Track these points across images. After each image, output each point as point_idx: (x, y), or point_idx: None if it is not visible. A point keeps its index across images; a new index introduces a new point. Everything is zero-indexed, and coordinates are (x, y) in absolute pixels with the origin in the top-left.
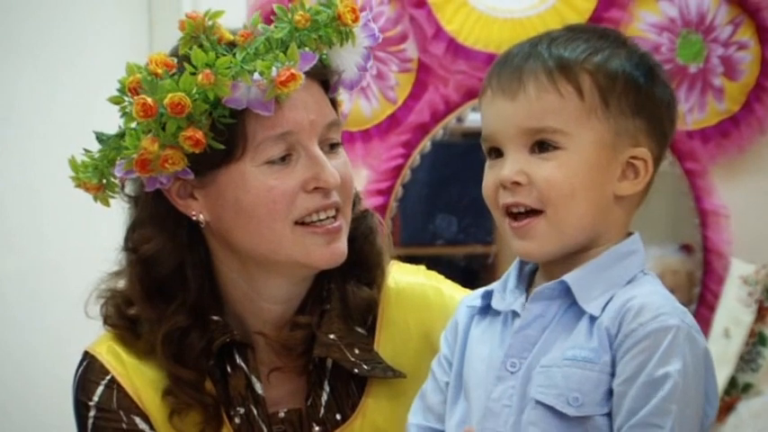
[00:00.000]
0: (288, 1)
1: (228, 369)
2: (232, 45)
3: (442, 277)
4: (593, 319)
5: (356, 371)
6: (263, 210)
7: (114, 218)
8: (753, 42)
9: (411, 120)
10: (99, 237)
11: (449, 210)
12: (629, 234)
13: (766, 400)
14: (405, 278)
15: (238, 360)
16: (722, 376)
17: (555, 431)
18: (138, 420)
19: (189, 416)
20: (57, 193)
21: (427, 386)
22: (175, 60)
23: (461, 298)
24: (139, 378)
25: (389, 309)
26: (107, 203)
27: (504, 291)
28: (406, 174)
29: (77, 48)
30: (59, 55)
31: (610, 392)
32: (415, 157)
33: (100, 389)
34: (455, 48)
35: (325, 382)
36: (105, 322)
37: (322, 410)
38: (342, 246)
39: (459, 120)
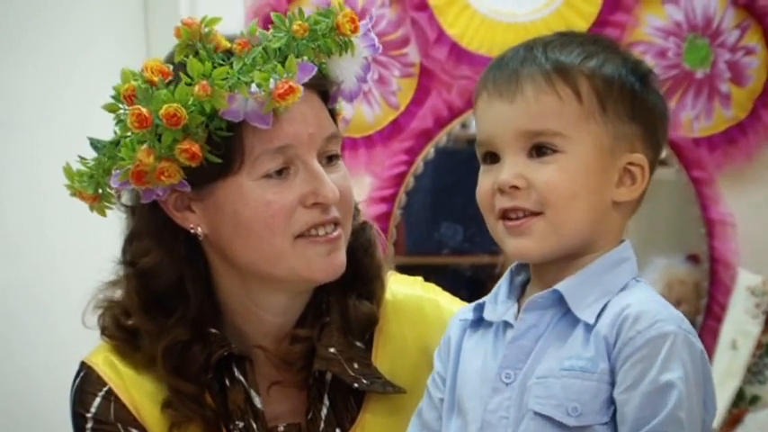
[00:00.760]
0: (287, 4)
1: (227, 383)
2: (229, 53)
3: (439, 289)
4: (588, 327)
5: (356, 385)
6: (262, 224)
7: (117, 222)
8: (760, 47)
9: (414, 126)
10: (101, 240)
11: (454, 218)
12: (621, 241)
13: None
14: (402, 290)
15: (237, 374)
16: (729, 388)
17: None
18: (133, 431)
19: (189, 429)
20: (57, 197)
21: (423, 404)
22: (171, 67)
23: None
24: (137, 390)
25: (387, 322)
26: (103, 213)
27: (496, 302)
28: (409, 181)
29: (74, 51)
30: (55, 59)
31: (609, 401)
32: (419, 164)
33: (97, 400)
34: (458, 52)
35: (325, 396)
36: (103, 333)
37: (322, 425)
38: (341, 257)
39: (464, 126)
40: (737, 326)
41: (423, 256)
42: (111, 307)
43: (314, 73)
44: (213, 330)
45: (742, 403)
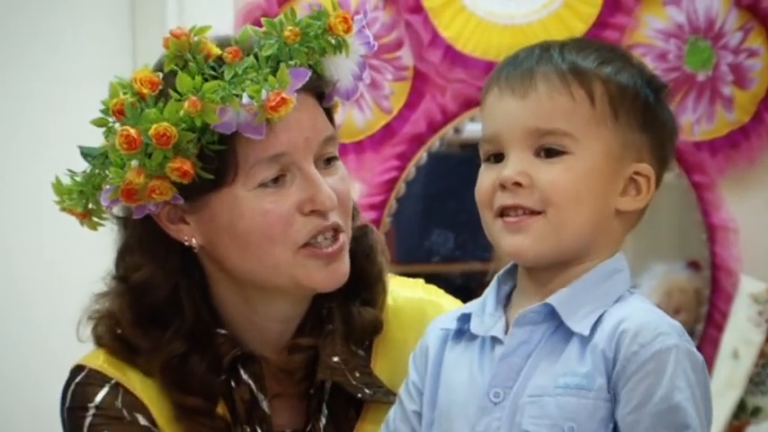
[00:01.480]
0: (277, 8)
1: (233, 384)
2: (219, 61)
3: (441, 291)
4: (583, 340)
5: (359, 395)
6: (260, 235)
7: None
8: (763, 49)
9: (406, 130)
10: (103, 239)
11: (445, 225)
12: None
13: None
14: (403, 294)
15: (244, 376)
16: (730, 399)
17: None
18: (140, 417)
19: None
20: (50, 199)
21: (393, 414)
22: (161, 76)
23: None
24: (144, 391)
25: (388, 327)
26: (95, 228)
27: (483, 313)
28: (400, 187)
29: (59, 52)
30: (40, 61)
31: (607, 419)
32: (410, 170)
33: (103, 391)
34: (453, 55)
35: (324, 406)
36: (98, 342)
37: None
38: (343, 266)
39: (457, 130)
40: (739, 334)
41: (413, 265)
42: (104, 317)
43: (307, 78)
44: (222, 331)
45: (743, 415)
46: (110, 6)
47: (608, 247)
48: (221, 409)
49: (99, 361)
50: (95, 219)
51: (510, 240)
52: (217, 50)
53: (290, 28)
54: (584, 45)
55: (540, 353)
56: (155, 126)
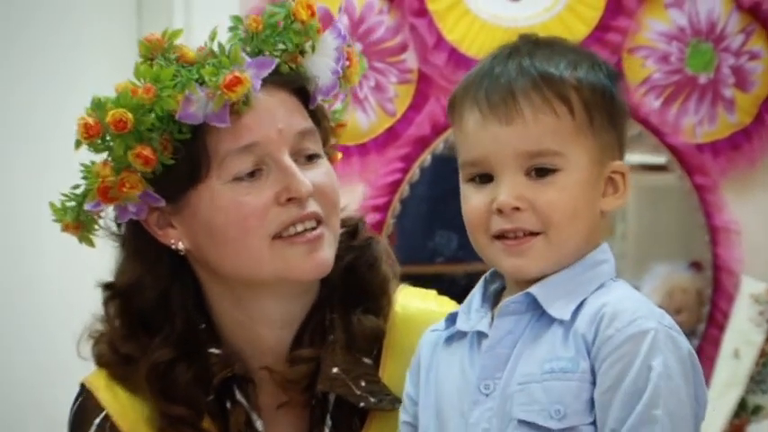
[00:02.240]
0: None
1: (228, 405)
2: (192, 62)
3: (453, 303)
4: (565, 325)
5: (362, 404)
6: (236, 228)
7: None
8: (765, 52)
9: (411, 132)
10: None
11: (449, 226)
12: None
13: None
14: (414, 304)
15: (238, 396)
16: (732, 398)
17: None
18: None
19: None
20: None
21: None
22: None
23: None
24: (135, 414)
25: (396, 336)
26: (91, 244)
27: (469, 311)
28: (404, 189)
29: (66, 52)
30: (47, 64)
31: (592, 401)
32: (415, 172)
33: (92, 429)
34: (457, 58)
35: (327, 416)
36: (98, 362)
37: None
38: (325, 255)
39: None
40: (740, 334)
41: (417, 265)
42: (104, 334)
43: (273, 66)
44: (215, 351)
45: (744, 413)
46: (116, 6)
47: (594, 243)
48: (207, 424)
49: (101, 383)
50: (88, 232)
51: (512, 262)
52: (192, 54)
53: (252, 17)
54: (546, 49)
55: (524, 341)
56: (111, 112)
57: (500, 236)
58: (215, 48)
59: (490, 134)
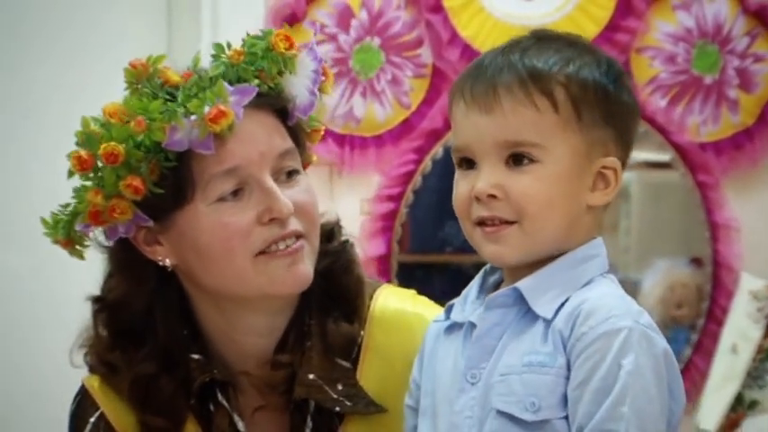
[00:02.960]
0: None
1: (211, 408)
2: (178, 87)
3: (430, 302)
4: (547, 322)
5: (338, 409)
6: (220, 248)
7: None
8: None
9: (424, 125)
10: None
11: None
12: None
13: None
14: (392, 305)
15: (221, 398)
16: (729, 392)
17: None
18: None
19: None
20: (64, 191)
21: (406, 426)
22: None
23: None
24: (127, 417)
25: (373, 337)
26: (81, 257)
27: (465, 302)
28: (417, 180)
29: (93, 47)
30: (73, 53)
31: (566, 396)
32: (427, 163)
33: (88, 427)
34: (470, 54)
35: (308, 419)
36: (91, 371)
37: None
38: (304, 268)
39: None
40: (739, 330)
41: (427, 254)
42: (93, 345)
43: (254, 95)
44: (196, 356)
45: (740, 408)
46: (146, 5)
47: (583, 237)
48: (192, 426)
49: (95, 383)
50: (78, 247)
51: (491, 249)
52: (176, 78)
53: (235, 48)
54: (544, 45)
55: (510, 334)
56: (103, 146)
57: (481, 223)
58: (198, 73)
59: (471, 122)
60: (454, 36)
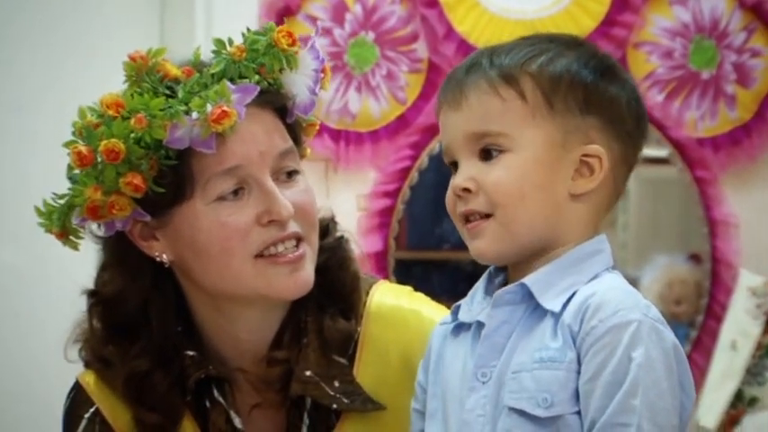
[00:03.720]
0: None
1: (207, 404)
2: (177, 81)
3: (426, 299)
4: (556, 316)
5: (335, 406)
6: (218, 247)
7: None
8: (766, 50)
9: (420, 121)
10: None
11: None
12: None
13: None
14: (388, 301)
15: (217, 395)
16: (728, 389)
17: None
18: None
19: None
20: (58, 186)
21: (413, 430)
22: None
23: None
24: (123, 413)
25: (370, 333)
26: (75, 248)
27: (472, 303)
28: (413, 176)
29: (87, 42)
30: (67, 48)
31: (578, 391)
32: (423, 159)
33: (83, 423)
34: (466, 49)
35: (305, 415)
36: (86, 366)
37: None
38: (306, 274)
39: None
40: (738, 326)
41: (424, 251)
42: (88, 340)
43: (255, 93)
44: (191, 353)
45: (740, 404)
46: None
47: (578, 230)
48: (189, 423)
49: (92, 379)
50: (72, 238)
51: (473, 244)
52: (176, 71)
53: (236, 45)
54: (517, 44)
55: (520, 331)
56: (104, 142)
57: (466, 220)
58: (199, 69)
59: (446, 122)
60: (450, 31)
